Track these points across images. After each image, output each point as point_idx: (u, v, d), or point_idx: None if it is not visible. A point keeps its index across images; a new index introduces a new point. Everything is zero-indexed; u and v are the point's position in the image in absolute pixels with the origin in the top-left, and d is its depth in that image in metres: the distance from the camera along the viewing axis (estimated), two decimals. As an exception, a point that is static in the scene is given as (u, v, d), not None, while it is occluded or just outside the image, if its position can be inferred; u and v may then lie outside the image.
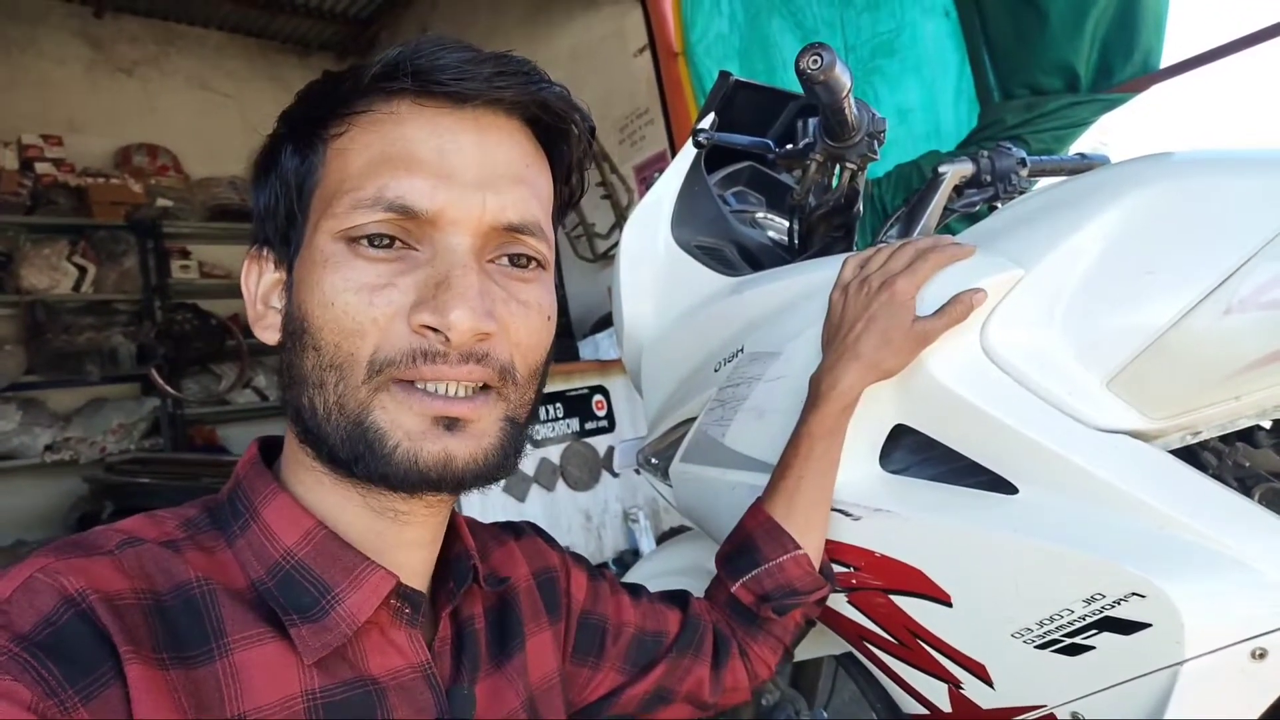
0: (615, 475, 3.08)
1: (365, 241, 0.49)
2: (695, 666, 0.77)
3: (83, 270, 3.96)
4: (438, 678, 0.54)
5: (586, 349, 3.37)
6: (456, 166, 0.50)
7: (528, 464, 2.92)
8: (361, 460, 0.48)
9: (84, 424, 3.83)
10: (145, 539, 0.48)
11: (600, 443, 3.12)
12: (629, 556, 3.07)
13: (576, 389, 3.13)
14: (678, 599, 0.82)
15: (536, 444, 2.97)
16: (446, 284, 0.48)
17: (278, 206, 0.54)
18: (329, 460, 0.50)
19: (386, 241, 0.49)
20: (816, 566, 0.81)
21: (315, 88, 0.53)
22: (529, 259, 0.54)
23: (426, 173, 0.49)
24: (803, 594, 0.80)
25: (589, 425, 3.12)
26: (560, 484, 3.01)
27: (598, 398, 3.18)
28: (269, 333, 0.55)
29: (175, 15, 4.60)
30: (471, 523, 0.66)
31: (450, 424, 0.49)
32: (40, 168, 3.91)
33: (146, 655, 0.43)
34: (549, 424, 3.01)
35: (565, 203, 0.62)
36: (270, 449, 0.57)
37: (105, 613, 0.42)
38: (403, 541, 0.54)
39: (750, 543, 0.81)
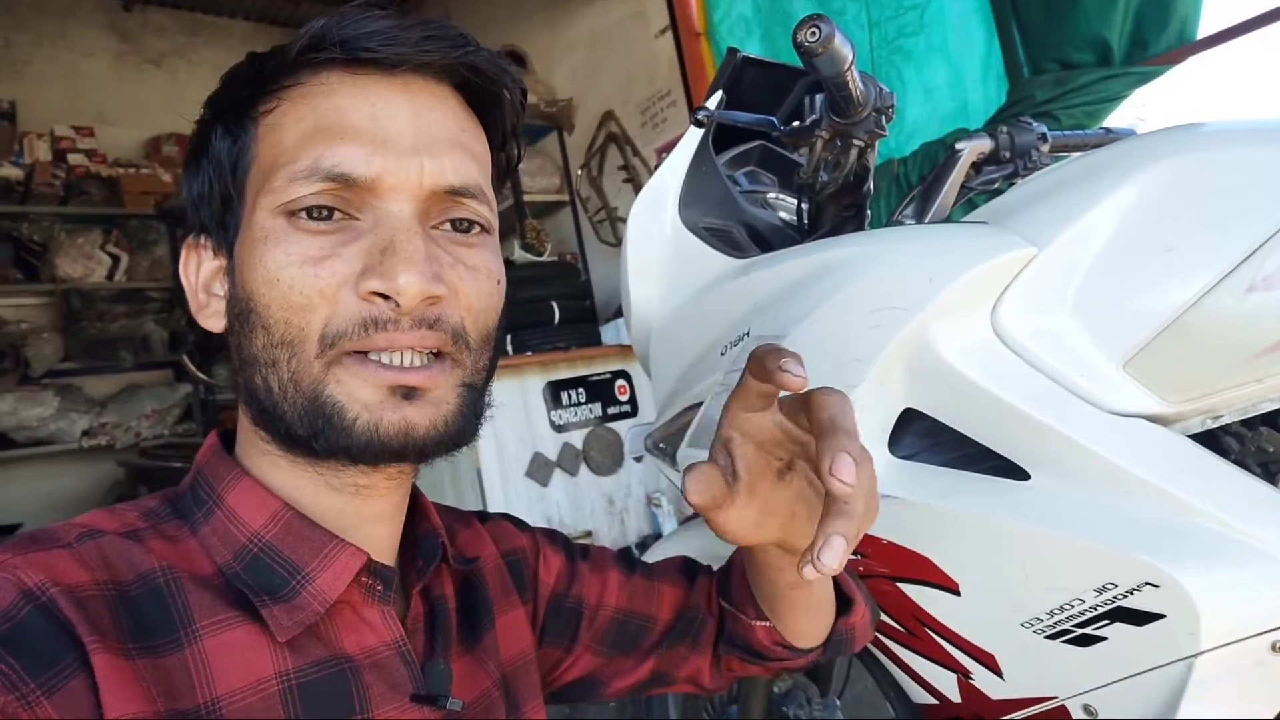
0: (636, 460, 3.08)
1: (305, 214, 0.48)
2: (692, 656, 0.74)
3: (115, 259, 4.04)
4: (412, 654, 0.54)
5: (609, 334, 3.37)
6: (391, 132, 0.49)
7: (550, 448, 2.93)
8: (321, 435, 0.48)
9: (119, 410, 3.92)
10: (105, 530, 0.47)
11: (623, 427, 3.12)
12: (652, 540, 3.08)
13: (599, 374, 3.13)
14: (687, 574, 0.76)
15: (559, 429, 2.98)
16: (392, 249, 0.47)
17: (211, 191, 0.53)
18: (285, 439, 0.50)
19: (326, 213, 0.48)
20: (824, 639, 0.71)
21: (240, 69, 0.52)
22: (471, 223, 0.53)
23: (361, 140, 0.48)
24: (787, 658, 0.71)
25: (611, 410, 3.12)
26: (583, 468, 3.02)
27: (620, 382, 3.17)
28: (214, 320, 0.54)
29: (202, 6, 4.65)
30: (437, 505, 0.65)
31: (408, 393, 0.49)
32: (73, 159, 3.98)
33: (112, 645, 0.42)
34: (572, 409, 3.02)
35: (503, 170, 0.60)
36: (229, 439, 0.56)
37: (67, 604, 0.42)
38: (365, 517, 0.54)
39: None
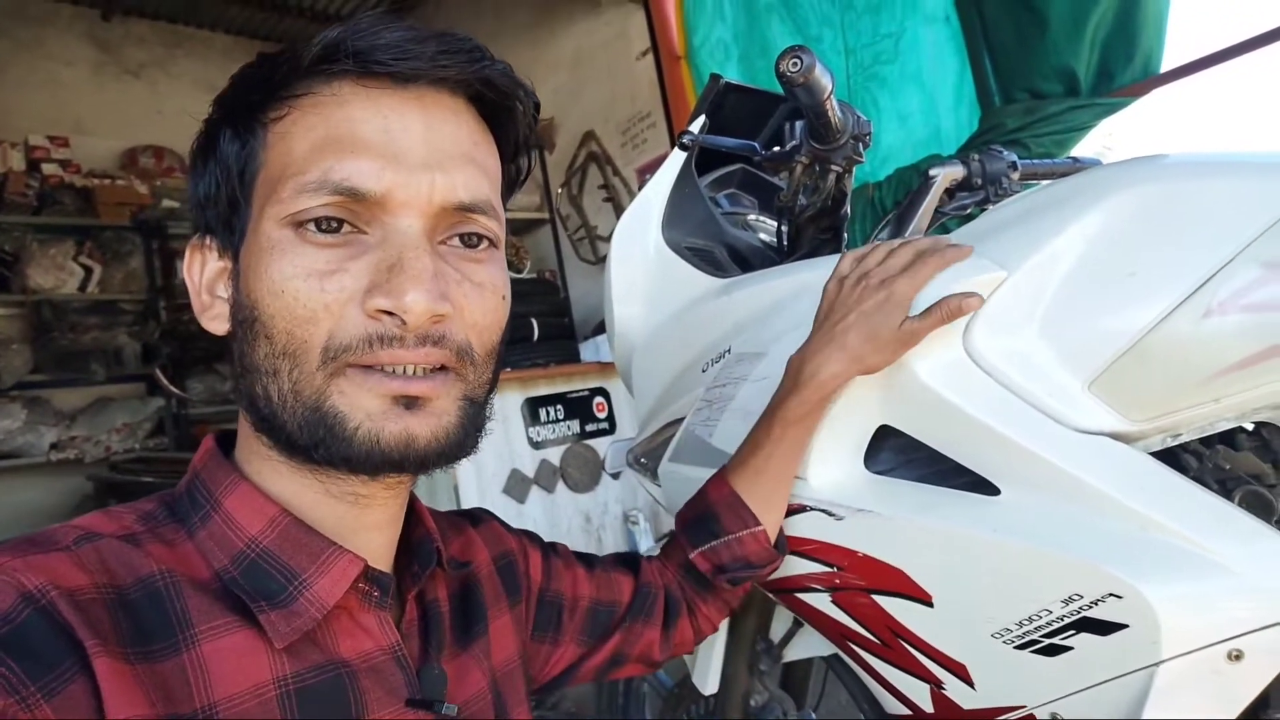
0: (614, 476, 3.09)
1: (312, 226, 0.48)
2: (647, 630, 0.80)
3: (88, 270, 3.98)
4: (408, 658, 0.54)
5: (588, 351, 3.38)
6: (403, 147, 0.49)
7: (528, 465, 2.93)
8: (322, 444, 0.48)
9: (89, 423, 3.85)
10: (103, 533, 0.48)
11: (601, 445, 3.12)
12: (628, 559, 3.08)
13: (577, 391, 3.14)
14: (629, 563, 0.84)
15: (537, 446, 2.98)
16: (400, 267, 0.48)
17: (219, 193, 0.53)
18: (286, 447, 0.50)
19: (334, 225, 0.49)
20: (773, 541, 0.82)
21: (250, 71, 0.52)
22: (481, 238, 0.53)
23: (372, 154, 0.48)
24: (757, 567, 0.82)
25: (589, 427, 3.12)
26: (560, 486, 3.02)
27: (598, 400, 3.18)
28: (216, 322, 0.54)
29: (183, 18, 4.62)
30: (430, 510, 0.66)
31: (409, 403, 0.49)
32: (47, 169, 3.93)
33: (113, 649, 0.42)
34: (549, 425, 3.02)
35: (513, 181, 0.61)
36: (227, 443, 0.57)
37: (67, 607, 0.42)
38: (364, 525, 0.54)
39: (711, 513, 0.82)
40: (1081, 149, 2.43)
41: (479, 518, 0.74)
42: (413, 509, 0.62)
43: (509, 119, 0.57)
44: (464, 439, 0.52)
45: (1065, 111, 2.34)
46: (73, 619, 0.42)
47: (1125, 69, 2.29)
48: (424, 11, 4.56)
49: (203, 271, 0.55)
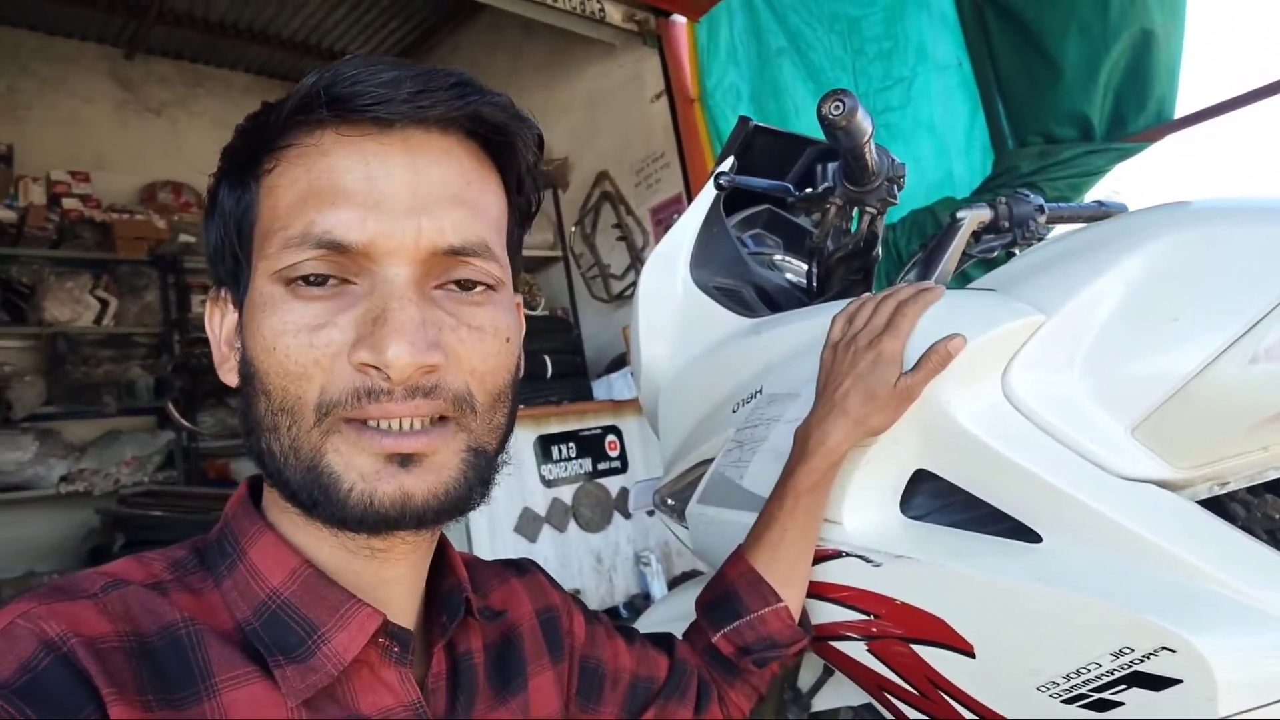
0: (627, 517, 3.06)
1: (300, 281, 0.47)
2: (680, 710, 0.77)
3: (104, 304, 4.01)
4: (429, 716, 0.53)
5: (600, 389, 3.37)
6: (386, 193, 0.47)
7: (539, 504, 2.91)
8: (319, 505, 0.47)
9: (99, 455, 3.84)
10: (131, 581, 0.47)
11: (613, 483, 3.10)
12: (640, 600, 3.03)
13: (590, 429, 3.13)
14: (664, 643, 0.82)
15: (549, 484, 2.96)
16: (383, 319, 0.46)
17: (224, 247, 0.53)
18: (294, 502, 0.50)
19: (320, 280, 0.48)
20: (796, 618, 0.80)
21: (251, 120, 0.51)
22: (475, 283, 0.51)
23: (354, 203, 0.47)
24: (782, 646, 0.80)
25: (601, 465, 3.11)
26: (572, 524, 2.99)
27: (611, 438, 3.17)
28: (231, 375, 0.53)
29: (204, 57, 4.72)
30: (472, 559, 0.65)
31: (405, 460, 0.48)
32: (67, 203, 3.98)
33: (131, 697, 0.42)
34: (561, 463, 3.00)
35: (524, 213, 0.59)
36: (260, 488, 0.56)
37: (87, 656, 0.42)
38: (383, 579, 0.53)
39: (731, 592, 0.81)
40: (1093, 194, 2.45)
41: (525, 568, 0.73)
42: (444, 557, 0.61)
43: (509, 151, 0.54)
44: (466, 494, 0.50)
45: (1079, 156, 2.36)
46: (91, 667, 0.41)
47: (1139, 115, 2.31)
48: (440, 53, 4.64)
49: (222, 325, 0.55)
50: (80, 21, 4.15)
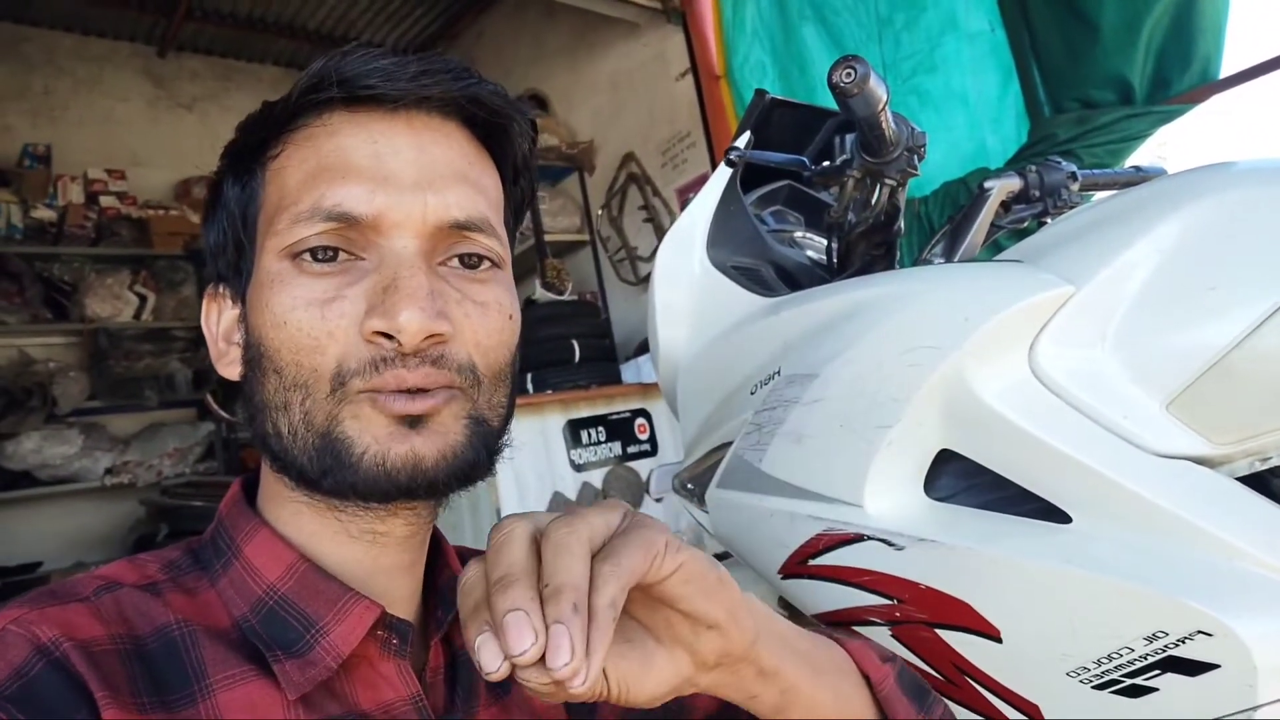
0: (657, 500, 3.06)
1: (309, 256, 0.48)
2: (686, 701, 0.66)
3: (143, 299, 4.09)
4: (429, 709, 0.52)
5: (629, 372, 3.36)
6: (393, 169, 0.49)
7: (569, 488, 2.92)
8: (330, 473, 0.47)
9: (142, 448, 3.94)
10: (124, 583, 0.48)
11: (643, 466, 3.09)
12: (671, 583, 3.03)
13: (619, 412, 3.12)
14: None
15: (579, 468, 2.96)
16: (394, 287, 0.47)
17: (226, 240, 0.54)
18: (301, 482, 0.50)
19: (330, 254, 0.48)
20: None
21: (252, 117, 0.53)
22: (480, 258, 0.52)
23: (363, 178, 0.48)
24: None
25: (631, 449, 3.10)
26: (603, 508, 2.99)
27: (640, 421, 3.16)
28: (232, 369, 0.54)
29: (234, 52, 4.77)
30: (468, 553, 0.64)
31: (413, 422, 0.48)
32: (104, 201, 4.06)
33: (125, 700, 0.42)
34: (591, 447, 3.00)
35: (519, 204, 0.60)
36: (253, 488, 0.56)
37: (80, 660, 0.42)
38: (383, 567, 0.53)
39: None
40: (1135, 160, 2.36)
41: None
42: (439, 551, 0.60)
43: (505, 139, 0.56)
44: (475, 458, 0.50)
45: (1119, 120, 2.27)
46: (84, 671, 0.42)
47: (1182, 75, 2.22)
48: (465, 40, 4.64)
49: (219, 321, 0.56)
50: (113, 21, 4.21)
